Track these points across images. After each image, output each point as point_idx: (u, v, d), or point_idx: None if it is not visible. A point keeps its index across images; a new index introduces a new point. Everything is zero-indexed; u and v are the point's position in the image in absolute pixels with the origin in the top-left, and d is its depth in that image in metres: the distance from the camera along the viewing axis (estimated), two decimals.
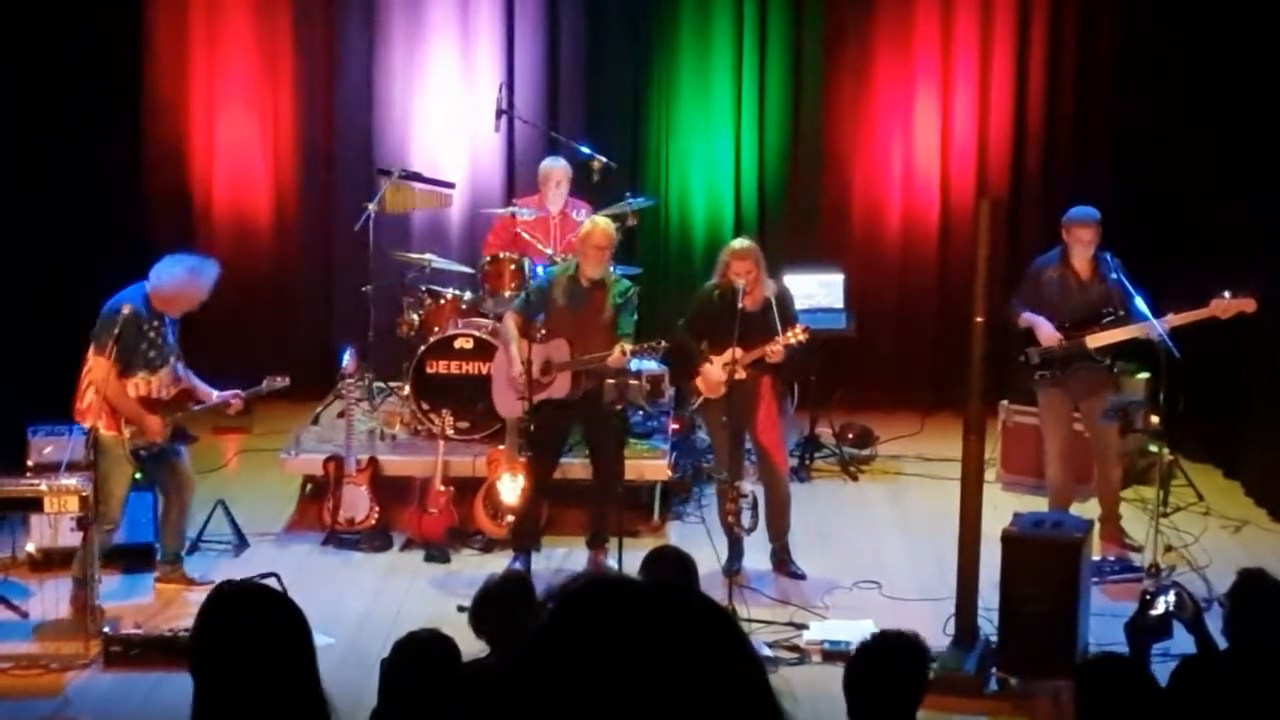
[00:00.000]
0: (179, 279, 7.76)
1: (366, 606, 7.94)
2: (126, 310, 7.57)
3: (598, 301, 8.14)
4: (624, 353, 7.99)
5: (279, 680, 3.22)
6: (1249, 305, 8.11)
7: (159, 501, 8.22)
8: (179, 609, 7.76)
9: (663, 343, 8.34)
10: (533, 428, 8.08)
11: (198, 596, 7.60)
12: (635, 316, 8.26)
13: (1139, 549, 8.41)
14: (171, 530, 8.14)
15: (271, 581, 3.96)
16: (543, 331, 8.21)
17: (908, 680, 4.39)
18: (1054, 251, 8.54)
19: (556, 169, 9.57)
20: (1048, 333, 8.37)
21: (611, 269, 8.80)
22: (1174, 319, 8.10)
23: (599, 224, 8.23)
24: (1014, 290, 8.65)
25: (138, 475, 7.85)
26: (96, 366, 7.61)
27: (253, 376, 8.28)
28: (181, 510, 8.14)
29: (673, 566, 5.54)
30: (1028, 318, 8.45)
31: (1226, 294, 8.08)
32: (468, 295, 9.51)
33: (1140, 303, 8.18)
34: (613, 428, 8.18)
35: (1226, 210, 9.74)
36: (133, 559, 8.21)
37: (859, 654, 4.48)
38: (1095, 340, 8.32)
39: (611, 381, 8.17)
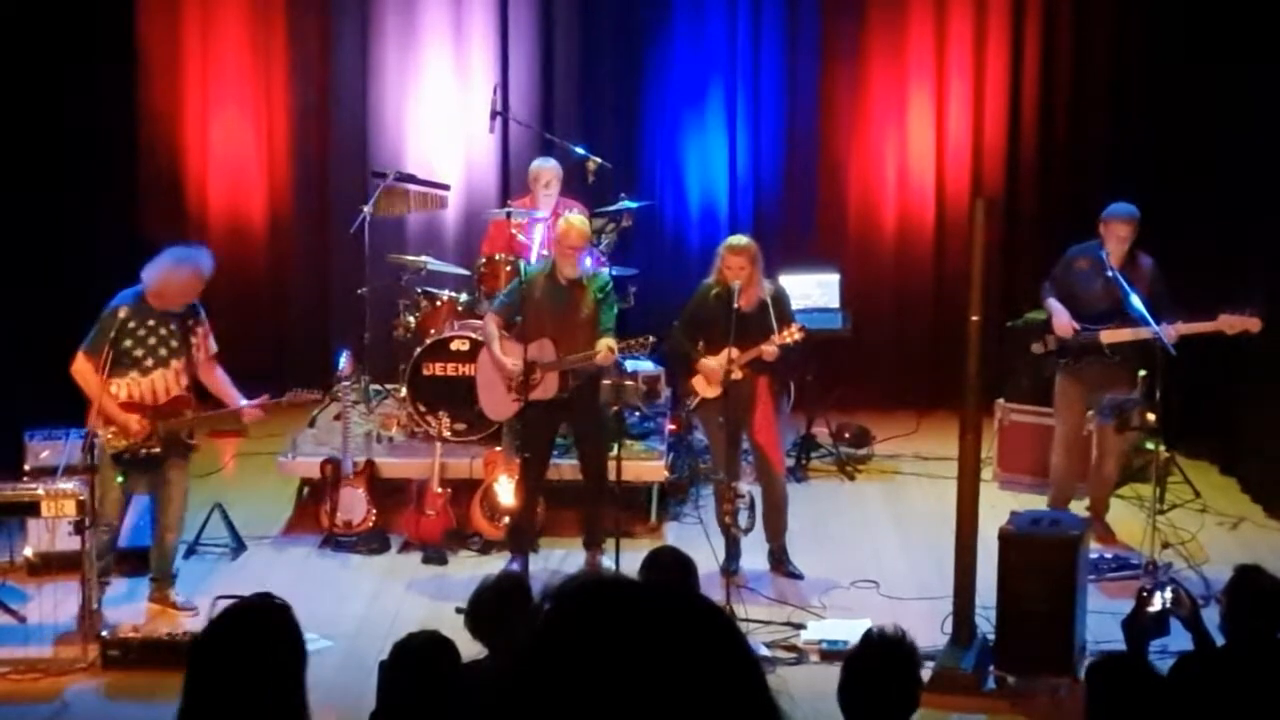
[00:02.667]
0: (163, 268, 7.59)
1: (364, 609, 7.94)
2: (113, 307, 7.52)
3: (578, 299, 8.13)
4: (611, 350, 7.99)
5: (270, 698, 3.26)
6: (1254, 325, 8.15)
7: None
8: (174, 617, 7.76)
9: (651, 339, 8.33)
10: (519, 427, 8.05)
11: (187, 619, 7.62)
12: (615, 310, 8.26)
13: (1113, 537, 8.55)
14: (156, 546, 7.87)
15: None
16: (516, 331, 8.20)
17: (903, 686, 4.37)
18: (1092, 243, 8.57)
19: (546, 169, 9.55)
20: (1063, 323, 8.46)
21: (608, 270, 8.82)
22: (1182, 328, 8.13)
23: (574, 224, 8.20)
24: (1047, 275, 8.75)
25: (119, 479, 7.55)
26: (76, 360, 7.55)
27: (247, 379, 8.26)
28: (165, 528, 7.80)
29: (672, 567, 5.54)
30: (1050, 305, 8.55)
31: (1237, 310, 8.13)
32: (463, 297, 9.51)
33: (1136, 300, 8.20)
34: (601, 426, 8.17)
35: (1226, 209, 9.74)
36: (137, 563, 8.14)
37: (851, 664, 4.45)
38: (1110, 336, 8.37)
39: (607, 383, 8.16)
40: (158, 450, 7.63)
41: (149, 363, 7.58)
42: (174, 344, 7.63)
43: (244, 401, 7.84)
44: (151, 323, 7.58)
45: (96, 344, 7.52)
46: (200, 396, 7.92)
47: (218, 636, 3.38)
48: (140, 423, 7.53)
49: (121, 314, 7.50)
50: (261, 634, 3.33)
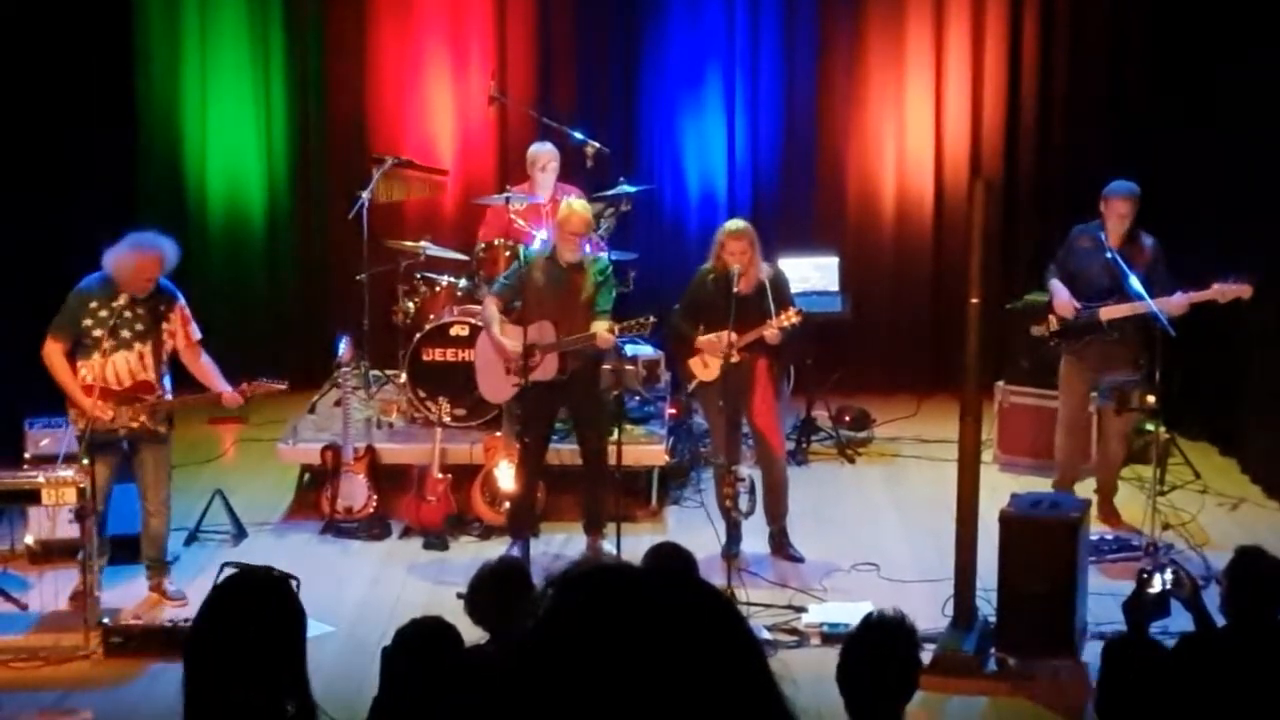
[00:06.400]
0: (121, 251, 7.56)
1: (365, 595, 7.95)
2: (78, 290, 7.58)
3: (577, 282, 8.12)
4: (611, 331, 7.98)
5: (272, 671, 3.26)
6: (1245, 292, 8.15)
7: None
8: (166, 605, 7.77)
9: (651, 319, 8.32)
10: (519, 410, 8.03)
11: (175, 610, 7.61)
12: (614, 294, 8.26)
13: (1120, 519, 8.57)
14: (143, 533, 7.85)
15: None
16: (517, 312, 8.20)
17: (903, 668, 4.37)
18: (1094, 222, 8.57)
19: (543, 153, 9.55)
20: (1063, 301, 8.47)
21: (607, 254, 8.81)
22: (1189, 297, 8.13)
23: (575, 209, 8.18)
24: (1052, 257, 8.76)
25: (84, 462, 7.42)
26: (45, 343, 7.59)
27: (247, 368, 8.25)
28: (147, 513, 7.77)
29: (673, 561, 5.53)
30: (1053, 285, 8.57)
31: (1229, 279, 8.13)
32: (462, 283, 9.51)
33: (1135, 281, 8.21)
34: (601, 411, 8.17)
35: (1223, 183, 9.73)
36: (119, 550, 8.11)
37: (850, 647, 4.44)
38: (1109, 313, 8.38)
39: (607, 367, 8.16)
40: (121, 435, 7.58)
41: (108, 344, 7.51)
42: (139, 328, 7.58)
43: (225, 387, 7.78)
44: (116, 305, 7.54)
45: (60, 325, 7.57)
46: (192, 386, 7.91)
47: (218, 607, 3.37)
48: (99, 406, 7.47)
49: (81, 294, 7.55)
50: (262, 604, 3.34)
